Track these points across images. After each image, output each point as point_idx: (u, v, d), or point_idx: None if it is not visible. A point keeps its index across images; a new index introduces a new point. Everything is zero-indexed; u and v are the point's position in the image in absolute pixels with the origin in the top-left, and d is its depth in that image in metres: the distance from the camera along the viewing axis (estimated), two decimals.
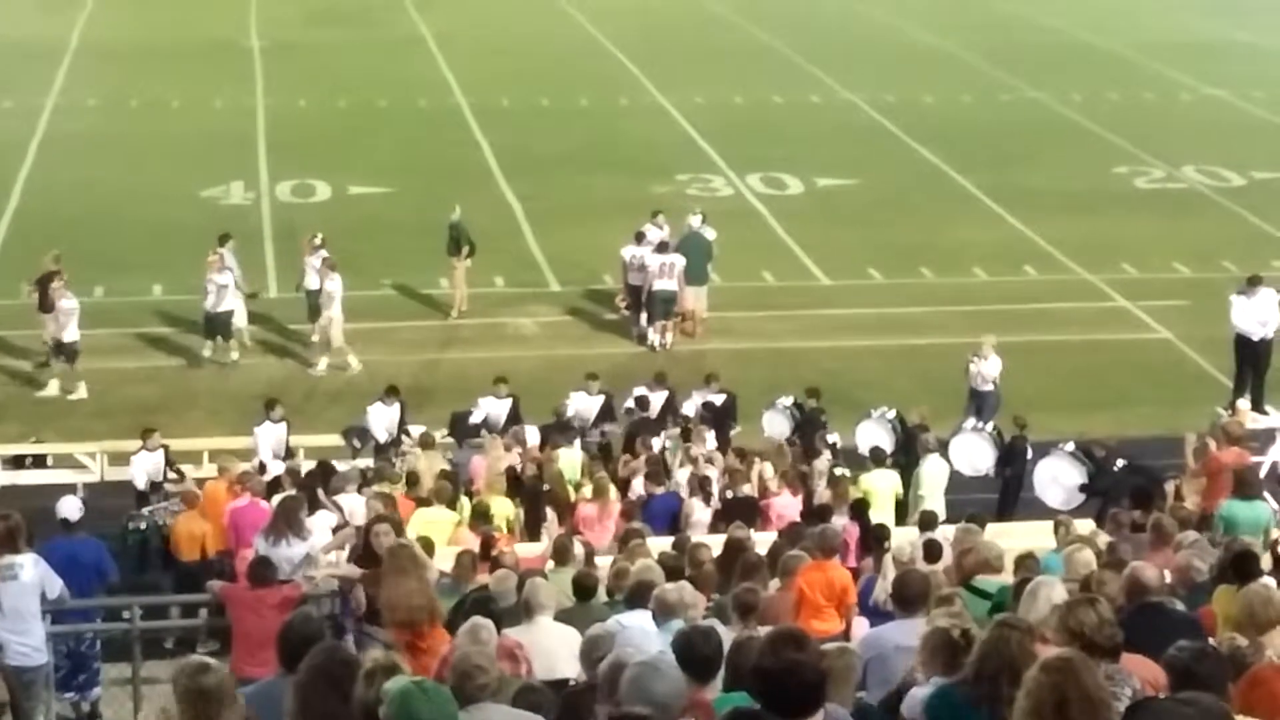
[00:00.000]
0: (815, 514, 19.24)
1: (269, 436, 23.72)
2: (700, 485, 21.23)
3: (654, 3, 61.52)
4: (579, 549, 16.05)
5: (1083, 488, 22.67)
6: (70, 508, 17.24)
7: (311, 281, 29.43)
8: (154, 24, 55.94)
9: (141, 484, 22.65)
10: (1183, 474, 20.92)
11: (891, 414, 24.43)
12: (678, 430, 23.84)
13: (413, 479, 21.04)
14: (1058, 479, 22.97)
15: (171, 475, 22.75)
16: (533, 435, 23.72)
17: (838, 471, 21.67)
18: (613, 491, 20.71)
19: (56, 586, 14.56)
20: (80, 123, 43.52)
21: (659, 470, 21.75)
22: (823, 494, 21.00)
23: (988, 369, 25.65)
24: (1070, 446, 23.21)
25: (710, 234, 31.50)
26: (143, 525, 20.89)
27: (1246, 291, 25.57)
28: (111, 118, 44.31)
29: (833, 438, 24.04)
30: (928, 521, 18.22)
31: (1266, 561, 14.27)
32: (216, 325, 28.88)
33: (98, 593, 16.37)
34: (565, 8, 60.40)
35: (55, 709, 15.50)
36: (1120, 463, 22.45)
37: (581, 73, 50.43)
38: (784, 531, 17.88)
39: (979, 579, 13.67)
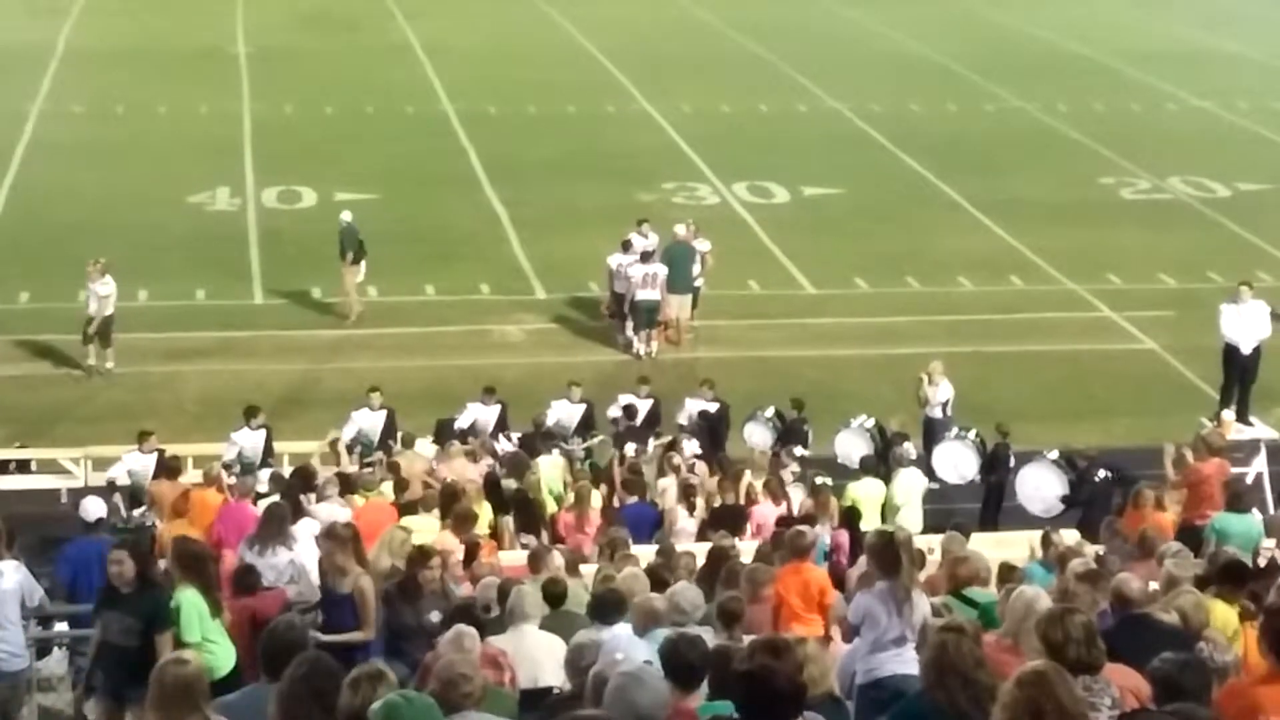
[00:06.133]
0: (790, 523, 19.19)
1: (246, 444, 23.58)
2: (685, 494, 21.21)
3: (642, 11, 61.59)
4: (557, 558, 16.04)
5: (1064, 499, 22.73)
6: (94, 508, 17.52)
7: (91, 308, 28.41)
8: (140, 30, 55.91)
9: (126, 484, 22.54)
10: (1164, 485, 20.94)
11: (870, 423, 24.46)
12: (663, 440, 23.83)
13: (401, 485, 21.02)
14: (1040, 488, 23.03)
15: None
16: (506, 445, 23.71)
17: (818, 480, 21.64)
18: (595, 499, 20.69)
19: (37, 595, 14.65)
20: (66, 128, 43.42)
21: (635, 479, 21.66)
22: (801, 503, 21.00)
23: (938, 395, 25.36)
24: (1054, 454, 23.27)
25: (704, 245, 31.44)
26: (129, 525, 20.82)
27: (1237, 300, 25.60)
28: (98, 124, 44.23)
29: (799, 450, 24.00)
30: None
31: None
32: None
33: None
34: (553, 15, 60.44)
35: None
36: (1102, 473, 22.47)
37: (568, 80, 50.40)
38: (770, 539, 17.86)
39: (970, 589, 13.69)
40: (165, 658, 8.64)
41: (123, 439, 23.49)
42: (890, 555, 11.36)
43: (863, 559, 17.28)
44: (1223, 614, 12.00)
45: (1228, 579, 12.53)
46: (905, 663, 10.78)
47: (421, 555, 14.79)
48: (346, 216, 31.66)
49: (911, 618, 11.13)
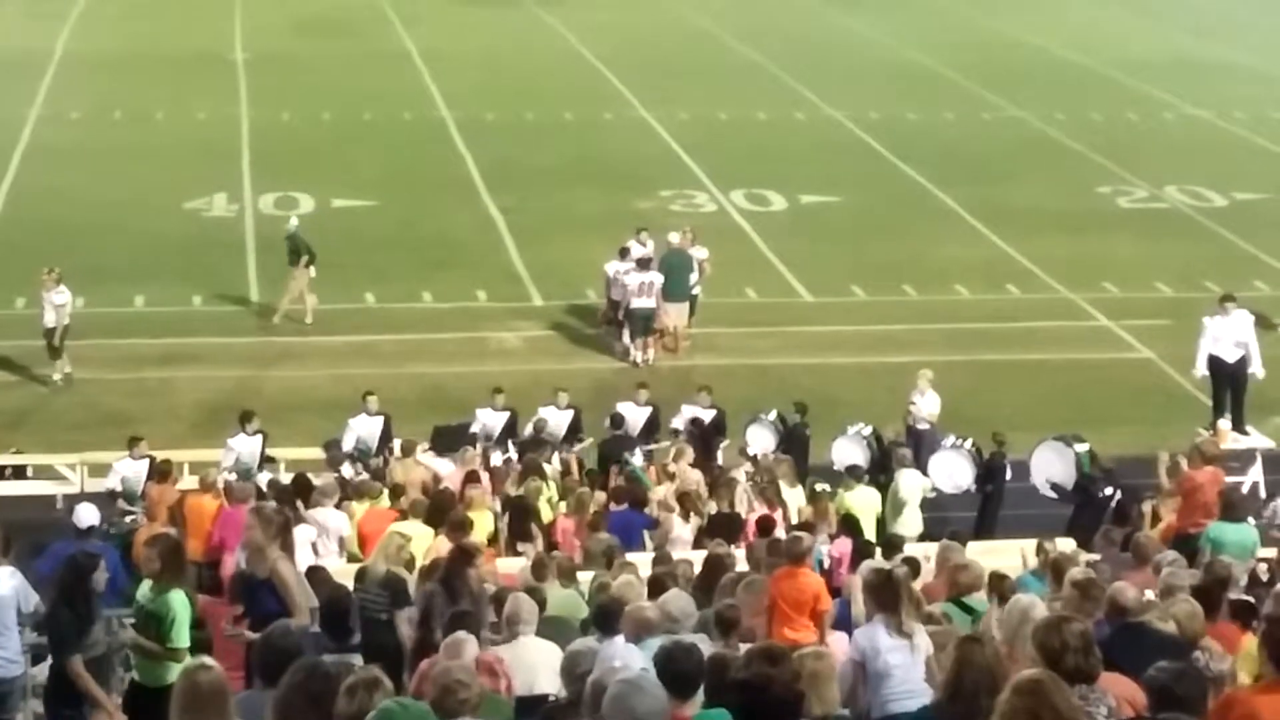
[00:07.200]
0: (772, 527, 19.21)
1: (242, 449, 23.54)
2: (682, 501, 21.19)
3: (639, 18, 61.64)
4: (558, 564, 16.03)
5: (1055, 488, 22.84)
6: (86, 515, 17.49)
7: (49, 319, 28.17)
8: (138, 35, 55.91)
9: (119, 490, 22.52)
10: (1159, 494, 20.93)
11: (868, 431, 24.41)
12: (659, 446, 23.82)
13: (397, 491, 21.01)
14: (1048, 472, 23.15)
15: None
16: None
17: (818, 488, 21.65)
18: (593, 506, 20.69)
19: (32, 600, 14.62)
20: (64, 134, 43.44)
21: (629, 488, 21.64)
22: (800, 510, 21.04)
23: (924, 406, 25.17)
24: (1083, 447, 23.23)
25: (702, 253, 31.42)
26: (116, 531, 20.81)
27: (1221, 313, 25.63)
28: (95, 129, 44.23)
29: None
30: (894, 545, 18.12)
31: (1245, 580, 14.33)
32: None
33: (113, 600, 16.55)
34: (550, 22, 60.46)
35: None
36: (1109, 489, 22.43)
37: (566, 87, 50.43)
38: (766, 546, 17.85)
39: (969, 597, 13.70)
40: (189, 664, 8.62)
41: (119, 445, 23.47)
42: (890, 591, 11.32)
43: (862, 566, 17.35)
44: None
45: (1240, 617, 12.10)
46: (915, 698, 10.73)
47: (465, 554, 14.78)
48: (294, 222, 31.85)
49: (914, 650, 11.13)
